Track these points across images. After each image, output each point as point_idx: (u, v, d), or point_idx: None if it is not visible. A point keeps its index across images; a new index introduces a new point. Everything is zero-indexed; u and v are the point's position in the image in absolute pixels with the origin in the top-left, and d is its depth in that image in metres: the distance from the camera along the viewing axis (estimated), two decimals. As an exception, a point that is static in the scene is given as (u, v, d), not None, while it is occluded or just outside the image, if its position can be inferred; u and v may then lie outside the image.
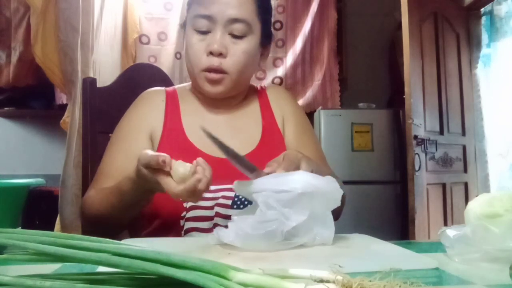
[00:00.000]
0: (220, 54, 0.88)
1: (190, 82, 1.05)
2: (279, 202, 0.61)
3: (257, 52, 0.96)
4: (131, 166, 0.87)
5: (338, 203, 0.66)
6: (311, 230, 0.63)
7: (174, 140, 0.93)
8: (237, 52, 0.90)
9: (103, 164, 0.93)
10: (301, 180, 0.62)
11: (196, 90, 0.99)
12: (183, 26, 0.98)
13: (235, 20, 0.89)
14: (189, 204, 0.84)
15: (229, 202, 0.85)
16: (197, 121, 0.96)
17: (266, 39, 0.98)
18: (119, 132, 0.96)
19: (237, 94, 0.99)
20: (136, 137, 0.93)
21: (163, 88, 1.02)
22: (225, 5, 0.88)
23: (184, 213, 0.84)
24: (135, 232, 0.95)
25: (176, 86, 1.05)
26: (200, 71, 0.90)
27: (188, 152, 0.91)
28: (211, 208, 0.85)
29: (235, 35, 0.90)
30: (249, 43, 0.92)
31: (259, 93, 1.05)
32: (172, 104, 0.98)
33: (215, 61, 0.89)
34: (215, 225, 0.82)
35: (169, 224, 0.86)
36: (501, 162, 2.74)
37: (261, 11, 0.94)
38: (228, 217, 0.70)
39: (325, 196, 0.64)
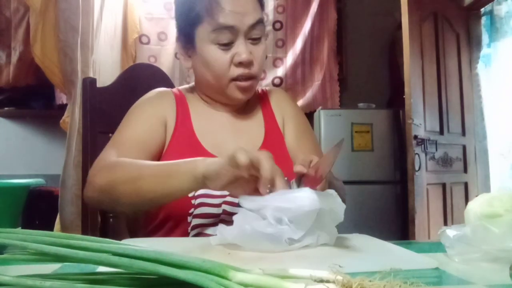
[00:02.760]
0: (249, 62, 0.90)
1: (191, 85, 1.06)
2: (286, 215, 0.61)
3: None
4: (153, 145, 0.90)
5: (341, 219, 0.66)
6: (313, 234, 0.63)
7: (184, 139, 0.94)
8: (259, 54, 0.92)
9: (121, 136, 0.90)
10: (308, 197, 0.62)
11: (206, 95, 1.00)
12: (185, 41, 0.95)
13: (254, 26, 0.90)
14: (198, 200, 0.85)
15: (237, 200, 0.86)
16: (205, 123, 0.97)
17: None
18: (135, 112, 0.95)
19: None
20: (154, 121, 0.93)
21: (169, 89, 1.03)
22: (243, 13, 0.88)
23: (192, 209, 0.85)
24: (140, 226, 0.96)
25: (180, 88, 1.05)
26: (230, 81, 0.91)
27: (197, 152, 0.92)
28: (219, 205, 0.85)
29: (254, 39, 0.91)
30: (264, 43, 0.94)
31: (261, 96, 1.07)
32: (181, 104, 0.98)
33: (244, 70, 0.90)
34: (222, 221, 0.83)
35: (177, 220, 0.86)
36: (503, 162, 2.74)
37: (262, 8, 0.95)
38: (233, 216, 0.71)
39: (330, 213, 0.64)
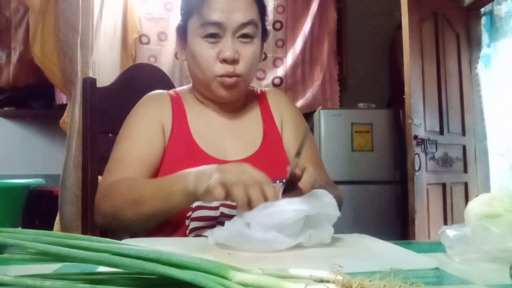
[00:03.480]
0: (234, 60, 0.89)
1: (190, 85, 1.06)
2: (272, 229, 0.61)
3: (261, 51, 0.98)
4: (152, 157, 0.90)
5: (335, 217, 0.66)
6: (305, 232, 0.63)
7: (181, 141, 0.93)
8: (248, 54, 0.91)
9: (120, 153, 0.91)
10: (290, 209, 0.62)
11: (200, 94, 1.00)
12: (180, 33, 0.96)
13: (244, 24, 0.89)
14: (195, 203, 0.85)
15: (234, 202, 0.86)
16: (202, 124, 0.97)
17: (264, 36, 0.99)
18: (132, 125, 0.95)
19: (242, 95, 1.00)
20: (152, 130, 0.93)
21: (165, 91, 1.02)
22: (233, 10, 0.88)
23: (190, 212, 0.85)
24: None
25: (176, 89, 1.05)
26: (215, 77, 0.91)
27: (194, 154, 0.92)
28: (217, 208, 0.85)
29: (244, 39, 0.90)
30: (256, 44, 0.93)
31: (259, 97, 1.07)
32: (177, 106, 0.98)
33: (229, 67, 0.89)
34: (220, 223, 0.83)
35: (175, 224, 0.86)
36: (502, 162, 2.74)
37: (260, 10, 0.95)
38: (232, 217, 0.71)
39: (321, 215, 0.64)
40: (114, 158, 0.91)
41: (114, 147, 0.93)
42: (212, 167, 0.71)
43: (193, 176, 0.72)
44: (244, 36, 0.90)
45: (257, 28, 0.93)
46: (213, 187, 0.66)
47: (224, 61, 0.89)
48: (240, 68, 0.90)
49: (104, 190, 0.86)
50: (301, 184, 0.71)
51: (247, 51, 0.91)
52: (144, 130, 0.93)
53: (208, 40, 0.89)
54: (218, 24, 0.87)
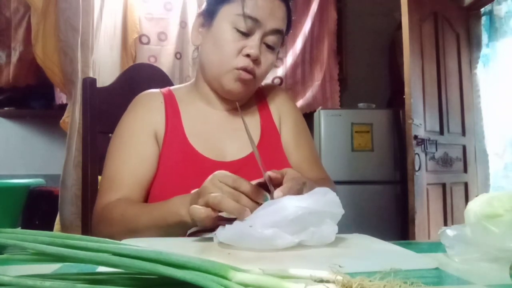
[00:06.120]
0: (256, 60, 0.90)
1: (189, 83, 1.05)
2: (273, 226, 0.61)
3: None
4: (145, 171, 0.89)
5: (339, 215, 0.66)
6: (307, 230, 0.63)
7: (176, 143, 0.92)
8: (267, 61, 0.93)
9: (112, 171, 0.89)
10: (291, 205, 0.61)
11: (208, 85, 0.98)
12: (205, 14, 0.95)
13: (275, 31, 0.91)
14: None
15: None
16: (198, 124, 0.96)
17: (279, 52, 1.01)
18: (123, 135, 0.93)
19: (245, 97, 0.99)
20: (144, 140, 0.92)
21: (158, 90, 1.01)
22: (272, 14, 0.90)
23: None
24: None
25: (171, 88, 1.04)
26: (233, 69, 0.90)
27: (189, 155, 0.91)
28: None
29: (268, 46, 0.92)
30: (275, 55, 0.95)
31: (257, 93, 1.06)
32: (171, 106, 0.97)
33: (250, 63, 0.90)
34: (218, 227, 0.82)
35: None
36: (497, 162, 2.75)
37: (288, 27, 0.97)
38: (231, 221, 0.70)
39: (324, 212, 0.64)
40: (107, 176, 0.90)
41: (106, 162, 0.92)
42: (191, 195, 0.70)
43: (186, 208, 0.70)
44: (268, 45, 0.92)
45: (281, 41, 0.95)
46: (191, 213, 0.64)
47: (247, 56, 0.89)
48: (257, 70, 0.91)
49: (99, 215, 0.85)
50: (281, 189, 0.68)
51: (268, 59, 0.93)
52: (136, 141, 0.91)
53: (238, 32, 0.89)
54: (255, 21, 0.88)
